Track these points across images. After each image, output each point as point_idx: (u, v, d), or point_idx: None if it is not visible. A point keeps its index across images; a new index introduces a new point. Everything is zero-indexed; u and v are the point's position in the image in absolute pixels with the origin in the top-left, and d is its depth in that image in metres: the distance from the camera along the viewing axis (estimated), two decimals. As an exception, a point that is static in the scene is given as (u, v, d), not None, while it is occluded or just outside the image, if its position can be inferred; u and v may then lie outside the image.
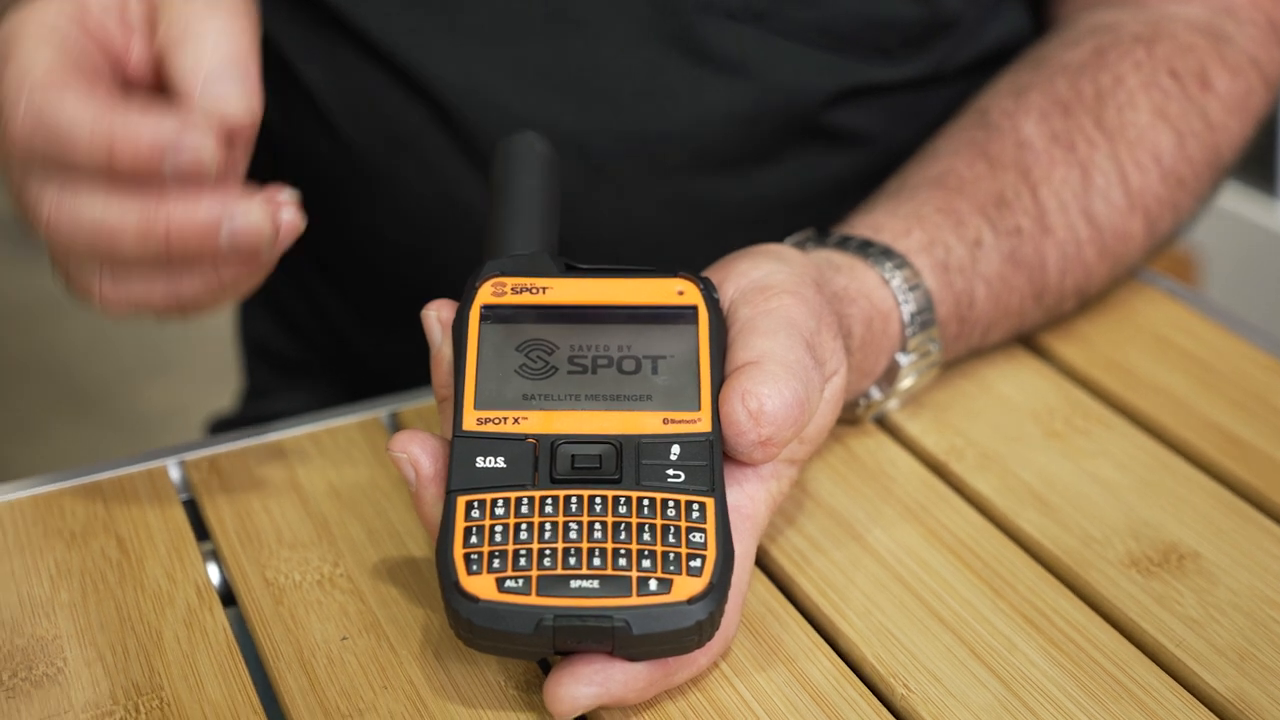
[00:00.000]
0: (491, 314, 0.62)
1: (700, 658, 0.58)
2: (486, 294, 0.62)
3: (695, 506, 0.56)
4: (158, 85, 0.64)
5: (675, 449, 0.58)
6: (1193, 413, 0.74)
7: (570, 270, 0.64)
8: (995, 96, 0.80)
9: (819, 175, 0.85)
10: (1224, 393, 0.76)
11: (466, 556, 0.56)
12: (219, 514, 0.70)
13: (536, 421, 0.59)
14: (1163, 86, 0.79)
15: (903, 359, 0.71)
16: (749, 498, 0.60)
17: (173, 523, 0.69)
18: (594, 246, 0.83)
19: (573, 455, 0.58)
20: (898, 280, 0.70)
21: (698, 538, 0.56)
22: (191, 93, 0.61)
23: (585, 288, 0.63)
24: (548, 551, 0.55)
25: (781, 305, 0.61)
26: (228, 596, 0.66)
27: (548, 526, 0.56)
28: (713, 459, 0.58)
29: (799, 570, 0.65)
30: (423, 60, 0.81)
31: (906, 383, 0.71)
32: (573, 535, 0.56)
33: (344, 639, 0.62)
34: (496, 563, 0.55)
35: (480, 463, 0.58)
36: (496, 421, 0.59)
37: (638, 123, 0.82)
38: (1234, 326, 0.81)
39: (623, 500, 0.56)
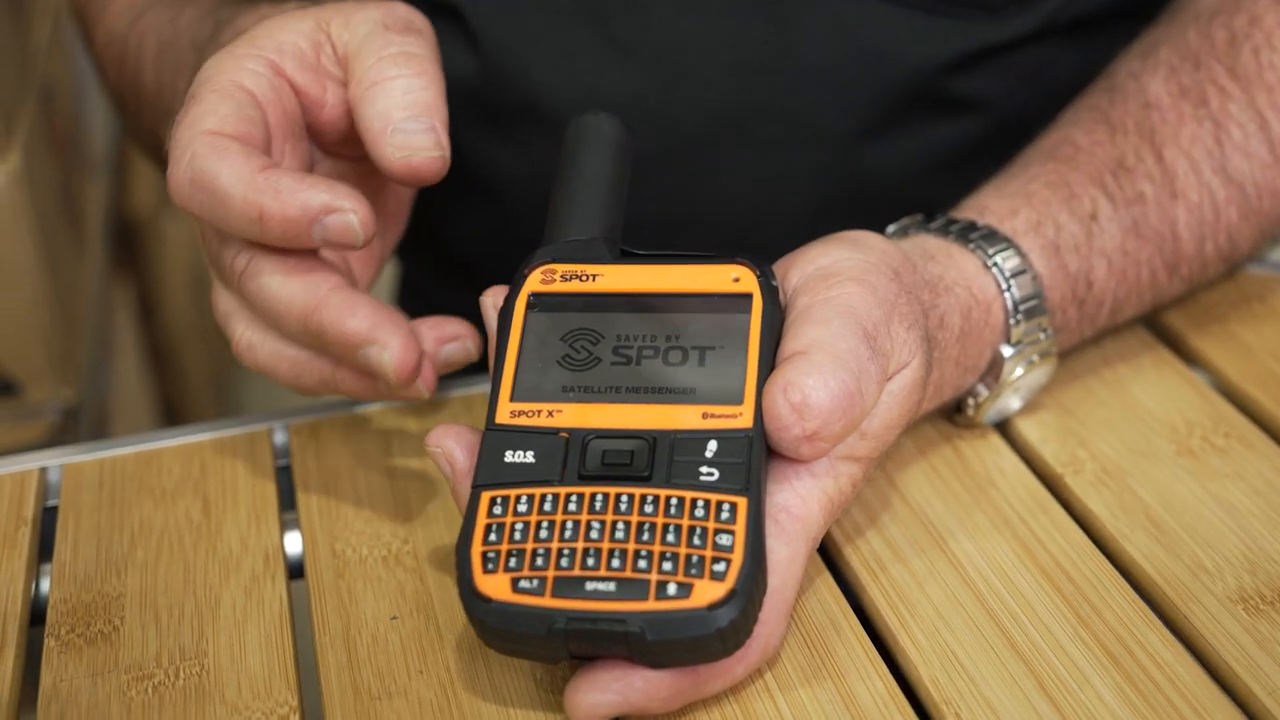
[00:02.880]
0: (539, 302, 0.60)
1: (735, 667, 0.54)
2: (535, 281, 0.60)
3: (726, 507, 0.53)
4: (355, 133, 0.65)
5: (712, 445, 0.55)
6: (1349, 436, 0.68)
7: (625, 256, 0.61)
8: (1124, 59, 0.74)
9: (930, 148, 0.80)
10: (1392, 416, 0.69)
11: (484, 555, 0.53)
12: (307, 481, 0.69)
13: (571, 415, 0.56)
14: None
15: (1007, 350, 0.66)
16: (800, 497, 0.56)
17: (260, 488, 0.69)
18: (687, 229, 0.80)
19: (603, 451, 0.55)
20: (1000, 266, 0.65)
21: (725, 540, 0.52)
22: (380, 139, 0.62)
23: (637, 274, 0.60)
24: (566, 551, 0.53)
25: (843, 293, 0.57)
26: (296, 568, 0.65)
27: (569, 525, 0.53)
28: (750, 457, 0.54)
29: (872, 578, 0.61)
30: (508, 41, 0.79)
31: (1015, 375, 0.66)
32: (594, 535, 0.53)
33: (393, 618, 0.61)
34: (513, 562, 0.53)
35: (509, 457, 0.56)
36: (531, 414, 0.57)
37: (728, 96, 0.78)
38: None
39: (650, 499, 0.54)
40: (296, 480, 0.69)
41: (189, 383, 2.15)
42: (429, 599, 0.62)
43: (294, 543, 0.66)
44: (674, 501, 0.53)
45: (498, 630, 0.53)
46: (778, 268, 0.61)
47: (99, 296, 1.45)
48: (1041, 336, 0.66)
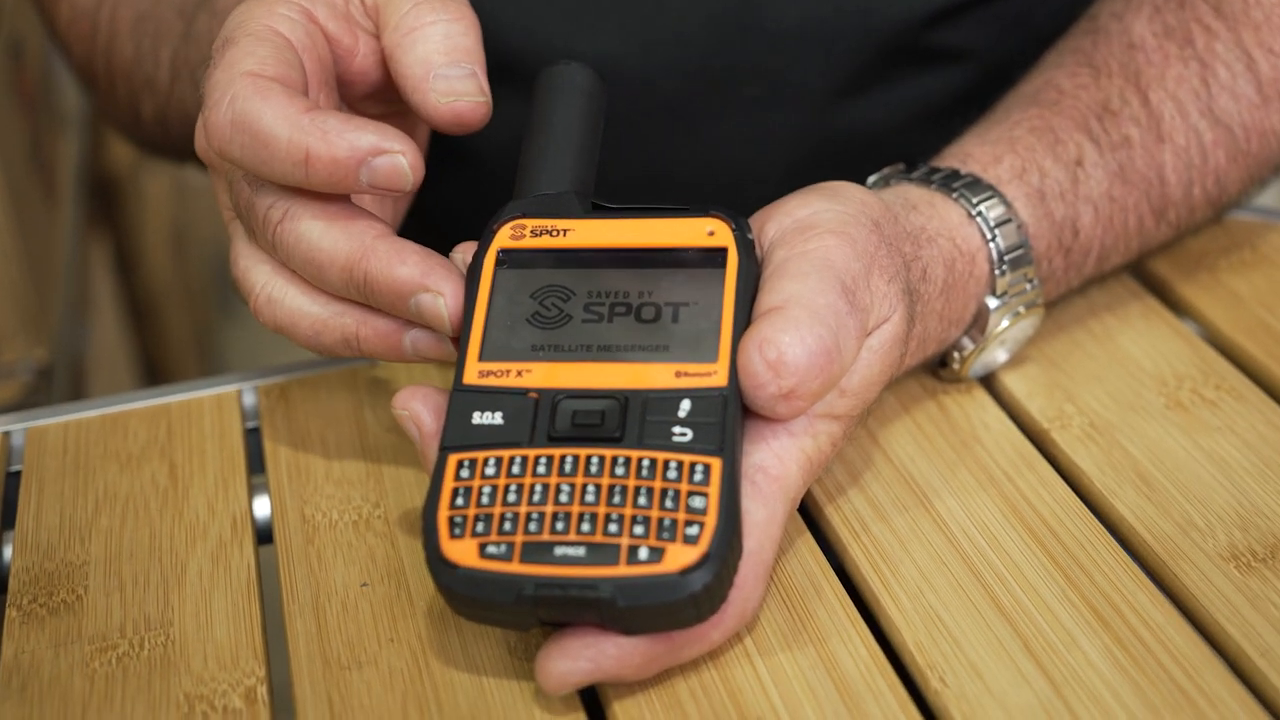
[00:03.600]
0: (508, 258, 0.58)
1: (711, 633, 0.53)
2: (505, 237, 0.58)
3: (699, 468, 0.52)
4: (384, 84, 0.64)
5: (685, 404, 0.53)
6: (1343, 388, 0.66)
7: (597, 210, 0.59)
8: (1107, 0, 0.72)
9: (913, 101, 0.78)
10: (1386, 366, 0.67)
11: (450, 519, 0.52)
12: (277, 444, 0.68)
13: (541, 374, 0.55)
14: None
15: (992, 302, 0.64)
16: (777, 457, 0.54)
17: (228, 451, 0.67)
18: (666, 190, 0.78)
19: (573, 411, 0.53)
20: (985, 216, 0.63)
21: (698, 502, 0.51)
22: (422, 85, 0.60)
23: (610, 229, 0.58)
24: (534, 515, 0.51)
25: (821, 246, 0.56)
26: (266, 532, 0.64)
27: (538, 488, 0.52)
28: (725, 416, 0.53)
29: (854, 538, 0.60)
30: (479, 3, 0.78)
31: (1001, 328, 0.64)
32: (563, 498, 0.51)
33: (364, 585, 0.59)
34: (480, 526, 0.51)
35: (476, 419, 0.54)
36: (499, 374, 0.55)
37: (706, 55, 0.76)
38: None
39: (621, 460, 0.52)
40: (266, 443, 0.68)
41: (170, 339, 2.14)
42: (400, 565, 0.60)
43: (263, 507, 0.65)
44: (646, 463, 0.52)
45: (465, 597, 0.51)
46: (754, 220, 0.59)
47: (73, 254, 1.43)
48: (1027, 287, 0.64)
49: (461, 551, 0.51)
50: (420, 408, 0.56)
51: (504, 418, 0.54)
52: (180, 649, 0.57)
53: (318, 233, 0.59)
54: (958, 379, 0.67)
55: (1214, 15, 0.69)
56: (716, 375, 0.54)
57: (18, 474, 0.67)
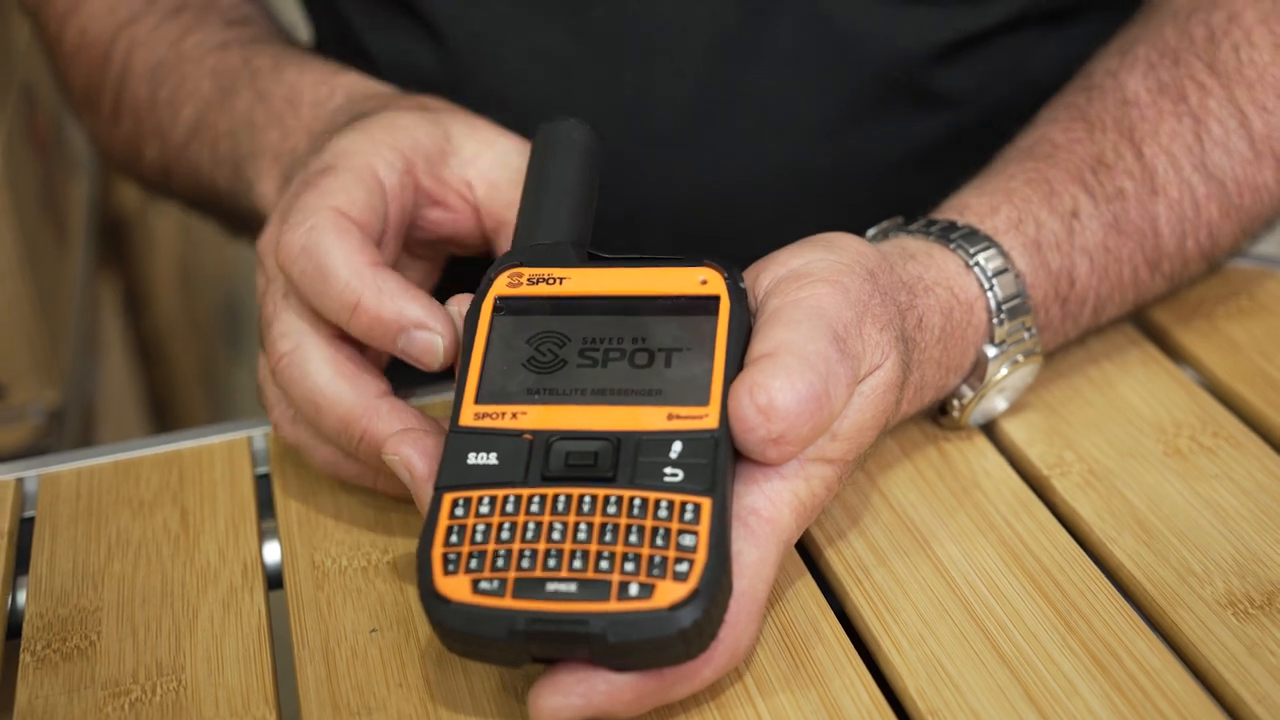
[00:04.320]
0: (505, 305, 0.59)
1: (702, 670, 0.53)
2: (502, 285, 0.60)
3: (689, 507, 0.52)
4: (443, 239, 0.68)
5: (677, 446, 0.54)
6: (1340, 435, 0.67)
7: (593, 260, 0.60)
8: (1101, 58, 0.73)
9: (908, 141, 0.79)
10: (1382, 414, 0.68)
11: (444, 556, 0.53)
12: (287, 490, 0.68)
13: (536, 417, 0.56)
14: None
15: (990, 351, 0.65)
16: (769, 499, 0.55)
17: (239, 497, 0.68)
18: (661, 219, 0.79)
19: (567, 452, 0.54)
20: (982, 266, 0.64)
21: (688, 540, 0.52)
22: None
23: (604, 278, 0.59)
24: (527, 553, 0.52)
25: (813, 294, 0.57)
26: (276, 577, 0.64)
27: (531, 526, 0.53)
28: (716, 458, 0.54)
29: (855, 583, 0.61)
30: (476, 31, 0.79)
31: (1000, 376, 0.65)
32: (556, 536, 0.52)
33: (373, 631, 0.60)
34: (474, 563, 0.52)
35: (472, 459, 0.55)
36: (495, 416, 0.56)
37: (703, 85, 0.77)
38: None
39: (613, 500, 0.53)
40: (276, 488, 0.69)
41: (178, 379, 2.15)
42: (408, 611, 0.61)
43: (273, 552, 0.66)
44: (637, 502, 0.53)
45: (458, 633, 0.52)
46: (750, 271, 0.60)
47: (83, 295, 1.44)
48: (1025, 336, 0.65)
49: (455, 587, 0.52)
50: (410, 452, 0.57)
51: (499, 458, 0.55)
52: (192, 695, 0.58)
53: (324, 379, 0.61)
54: (958, 426, 0.68)
55: (1208, 73, 0.70)
56: (708, 418, 0.55)
57: (31, 520, 0.68)
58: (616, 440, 0.54)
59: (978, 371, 0.65)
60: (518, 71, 0.79)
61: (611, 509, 0.53)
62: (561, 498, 0.53)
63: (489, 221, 0.67)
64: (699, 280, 0.58)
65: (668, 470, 0.53)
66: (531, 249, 0.61)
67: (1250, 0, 0.71)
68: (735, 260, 0.60)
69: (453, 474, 0.55)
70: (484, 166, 0.67)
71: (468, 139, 0.67)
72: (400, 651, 0.59)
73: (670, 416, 0.55)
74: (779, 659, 0.57)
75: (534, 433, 0.55)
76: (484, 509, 0.53)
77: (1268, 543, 0.61)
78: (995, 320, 0.64)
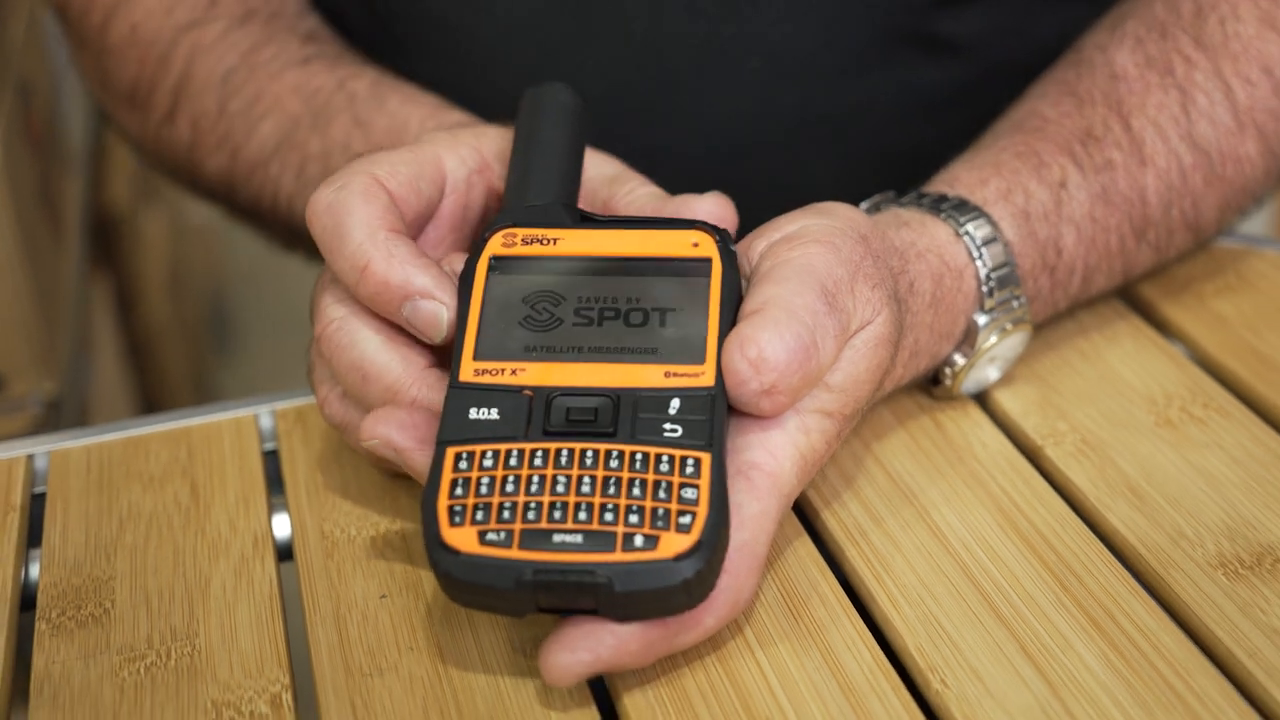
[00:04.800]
0: (500, 265, 0.60)
1: (706, 619, 0.55)
2: (496, 245, 0.61)
3: (690, 462, 0.54)
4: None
5: (675, 403, 0.56)
6: (1326, 405, 0.68)
7: (584, 221, 0.62)
8: (1091, 34, 0.75)
9: (913, 89, 0.81)
10: (1367, 384, 0.70)
11: (450, 508, 0.54)
12: (294, 465, 0.69)
13: (535, 373, 0.57)
14: None
15: (980, 318, 0.66)
16: (770, 453, 0.57)
17: (247, 471, 0.69)
18: (669, 158, 0.80)
19: (568, 408, 0.56)
20: (971, 235, 0.66)
21: (689, 493, 0.53)
22: None
23: (598, 239, 0.61)
24: (532, 504, 0.54)
25: (804, 253, 0.58)
26: (287, 549, 0.66)
27: (535, 479, 0.54)
28: (713, 414, 0.55)
29: (852, 543, 0.62)
30: None
31: (989, 343, 0.67)
32: (559, 489, 0.54)
33: (383, 597, 0.61)
34: (480, 515, 0.54)
35: (473, 414, 0.56)
36: (494, 373, 0.57)
37: (715, 24, 0.79)
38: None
39: (615, 454, 0.54)
40: (283, 464, 0.70)
41: (167, 378, 2.15)
42: (418, 578, 0.62)
43: (282, 525, 0.67)
44: (639, 456, 0.54)
45: (464, 583, 0.53)
46: (747, 239, 0.62)
47: (78, 291, 1.45)
48: (1014, 304, 0.67)
49: (461, 538, 0.53)
50: (388, 430, 0.59)
51: (500, 413, 0.56)
52: (206, 658, 0.59)
53: (373, 346, 0.62)
54: (950, 395, 0.69)
55: (1194, 46, 0.71)
56: (704, 376, 0.56)
57: (42, 495, 0.69)
58: (616, 396, 0.56)
59: (969, 339, 0.67)
60: (534, 13, 0.80)
61: (614, 463, 0.54)
62: (564, 451, 0.55)
63: None
64: (691, 243, 0.60)
65: (667, 426, 0.55)
66: (525, 210, 0.62)
67: None
68: (740, 205, 0.62)
69: (455, 428, 0.56)
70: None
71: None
72: (410, 616, 0.60)
73: (667, 374, 0.56)
74: (779, 616, 0.58)
75: (533, 389, 0.57)
76: (487, 462, 0.55)
77: (1256, 507, 0.63)
78: (984, 289, 0.66)
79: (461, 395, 0.57)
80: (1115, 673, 0.55)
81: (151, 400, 2.07)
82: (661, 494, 0.53)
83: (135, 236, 2.09)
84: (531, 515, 0.53)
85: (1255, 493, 0.64)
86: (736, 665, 0.57)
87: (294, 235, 0.85)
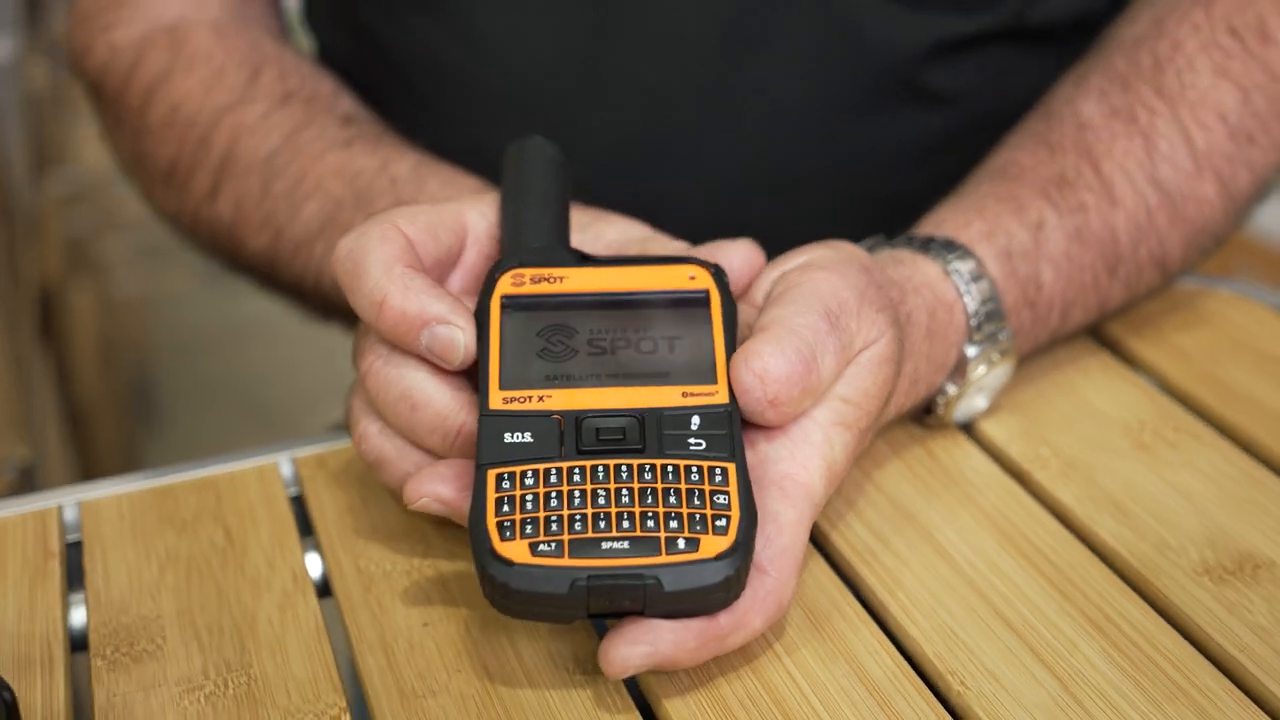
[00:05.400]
0: (512, 303, 0.64)
1: (754, 619, 0.59)
2: (506, 284, 0.65)
3: (718, 471, 0.59)
4: None
5: (695, 419, 0.60)
6: (1285, 426, 0.74)
7: (585, 261, 0.66)
8: (1059, 87, 0.81)
9: (903, 137, 0.87)
10: (1321, 407, 0.75)
11: (499, 524, 0.58)
12: (322, 508, 0.73)
13: (560, 399, 0.61)
14: (1222, 46, 0.79)
15: (970, 350, 0.71)
16: (802, 465, 0.61)
17: (278, 515, 0.72)
18: (672, 203, 0.84)
19: (597, 428, 0.60)
20: (959, 271, 0.71)
21: (721, 499, 0.58)
22: None
23: (600, 276, 0.65)
24: (578, 516, 0.58)
25: (810, 279, 0.64)
26: (323, 587, 0.69)
27: (576, 494, 0.58)
28: (732, 428, 0.60)
29: (864, 564, 0.66)
30: (510, 29, 0.84)
31: (978, 373, 0.72)
32: (601, 501, 0.58)
33: (425, 625, 0.65)
34: (529, 528, 0.58)
35: (508, 438, 0.60)
36: (521, 400, 0.61)
37: (718, 75, 0.84)
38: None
39: (648, 468, 0.59)
40: (311, 507, 0.73)
41: (100, 449, 2.16)
42: (457, 605, 0.66)
43: (316, 564, 0.70)
44: (670, 469, 0.59)
45: (520, 592, 0.57)
46: (761, 275, 0.67)
47: (30, 360, 1.47)
48: (1000, 337, 0.72)
49: (514, 551, 0.57)
50: (434, 487, 0.62)
51: (533, 436, 0.60)
52: (263, 686, 0.62)
53: (421, 375, 0.65)
54: (942, 424, 0.74)
55: (1155, 95, 0.77)
56: (719, 395, 0.61)
57: (76, 544, 0.72)
58: (640, 416, 0.60)
59: (960, 370, 0.72)
60: (544, 67, 0.85)
61: (648, 475, 0.59)
62: (600, 468, 0.59)
63: None
64: (688, 276, 0.65)
65: (691, 440, 0.60)
66: (529, 252, 0.66)
67: (1191, 30, 0.79)
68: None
69: (493, 452, 0.60)
70: (610, 237, 0.71)
71: (594, 219, 0.72)
72: (455, 642, 0.64)
73: (685, 394, 0.61)
74: (804, 629, 0.63)
75: (561, 413, 0.61)
76: (529, 481, 0.59)
77: (1232, 519, 0.68)
78: (973, 322, 0.71)
79: (494, 422, 0.61)
80: (1120, 670, 0.60)
81: (89, 471, 2.08)
82: (696, 501, 0.58)
83: (66, 310, 2.10)
84: (578, 526, 0.57)
85: (1230, 507, 0.69)
86: (769, 674, 0.61)
87: (332, 309, 0.89)
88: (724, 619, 0.58)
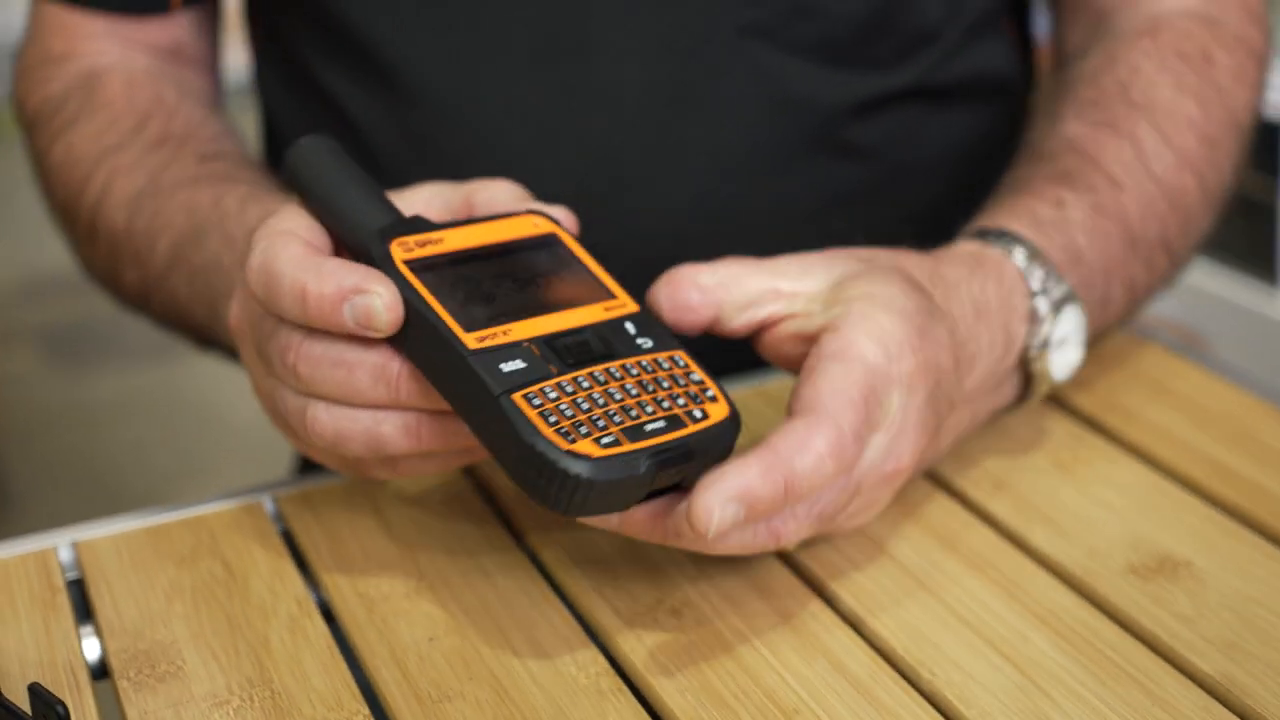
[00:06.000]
0: (418, 264, 0.69)
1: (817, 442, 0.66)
2: (399, 253, 0.70)
3: (677, 359, 0.69)
4: None
5: (629, 325, 0.69)
6: (1186, 446, 0.82)
7: (441, 225, 0.71)
8: (1034, 128, 0.91)
9: (829, 186, 0.95)
10: (1213, 429, 0.84)
11: (558, 431, 0.64)
12: (313, 540, 0.78)
13: (518, 330, 0.68)
14: (1174, 67, 0.89)
15: (1039, 302, 0.78)
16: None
17: (272, 548, 0.77)
18: (628, 248, 0.90)
19: (568, 345, 0.68)
20: (994, 239, 0.79)
21: (695, 377, 0.68)
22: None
23: (468, 233, 0.71)
24: (611, 412, 0.65)
25: (846, 356, 0.68)
26: (325, 611, 0.74)
27: (596, 396, 0.66)
28: (661, 324, 0.71)
29: (831, 578, 0.73)
30: (463, 88, 0.90)
31: (1047, 312, 0.78)
32: (617, 398, 0.66)
33: (431, 639, 0.70)
34: (584, 429, 0.64)
35: (505, 367, 0.66)
36: (490, 337, 0.67)
37: (662, 132, 0.91)
38: (1224, 373, 0.89)
39: (630, 366, 0.67)
40: (302, 540, 0.78)
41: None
42: (457, 622, 0.71)
43: (317, 591, 0.75)
44: (644, 364, 0.68)
45: (604, 482, 0.63)
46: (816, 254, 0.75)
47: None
48: (1054, 289, 0.78)
49: (586, 448, 0.64)
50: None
51: (524, 362, 0.66)
52: (287, 698, 0.67)
53: (346, 342, 0.69)
54: (1047, 382, 0.80)
55: (1129, 107, 0.87)
56: (629, 305, 0.70)
57: (76, 581, 0.76)
58: (589, 331, 0.68)
59: (1032, 317, 0.78)
60: (497, 125, 0.91)
61: (634, 371, 0.67)
62: (598, 373, 0.67)
63: None
64: (534, 223, 0.73)
65: (639, 341, 0.68)
66: (393, 225, 0.71)
67: (1143, 54, 0.89)
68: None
69: (504, 381, 0.65)
70: (418, 202, 0.75)
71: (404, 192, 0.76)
72: (462, 653, 0.69)
73: (605, 309, 0.70)
74: (787, 636, 0.69)
75: (529, 340, 0.67)
76: (552, 395, 0.65)
77: (1150, 525, 0.76)
78: (1028, 280, 0.78)
79: (485, 356, 0.66)
80: (1068, 656, 0.67)
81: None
82: (680, 382, 0.67)
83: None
84: (618, 419, 0.65)
85: (1146, 515, 0.77)
86: (758, 672, 0.67)
87: (202, 339, 0.93)
88: (781, 444, 0.65)
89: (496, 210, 0.74)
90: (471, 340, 0.67)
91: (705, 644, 0.69)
